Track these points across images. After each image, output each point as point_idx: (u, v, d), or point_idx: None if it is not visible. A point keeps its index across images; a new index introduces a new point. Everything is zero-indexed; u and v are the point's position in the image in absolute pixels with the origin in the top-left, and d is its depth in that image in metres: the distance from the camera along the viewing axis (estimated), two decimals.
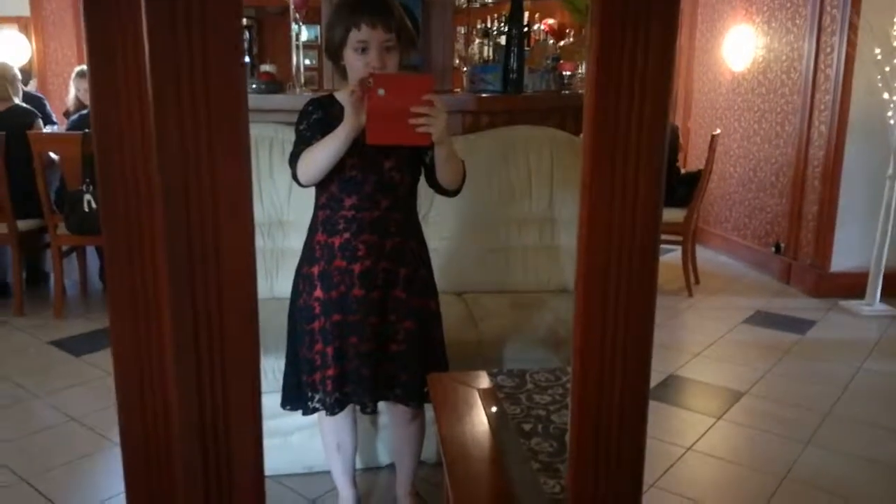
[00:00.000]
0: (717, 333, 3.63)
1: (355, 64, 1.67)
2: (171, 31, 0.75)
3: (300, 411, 1.86)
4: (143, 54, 0.75)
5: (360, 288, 1.75)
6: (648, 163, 0.87)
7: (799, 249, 4.47)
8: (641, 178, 0.88)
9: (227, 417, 0.88)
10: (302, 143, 1.71)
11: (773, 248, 4.69)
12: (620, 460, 0.96)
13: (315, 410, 1.82)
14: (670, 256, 4.65)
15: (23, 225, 3.72)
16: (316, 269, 1.78)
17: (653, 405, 2.78)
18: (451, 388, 1.56)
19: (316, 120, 1.73)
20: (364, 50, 1.65)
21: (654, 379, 3.02)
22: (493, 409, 1.47)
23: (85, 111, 4.12)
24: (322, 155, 1.63)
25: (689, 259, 4.31)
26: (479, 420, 1.43)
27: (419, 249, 1.86)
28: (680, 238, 4.27)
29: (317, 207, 1.80)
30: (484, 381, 1.61)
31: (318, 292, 1.77)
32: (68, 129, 4.06)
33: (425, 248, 1.90)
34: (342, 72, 1.75)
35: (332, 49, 1.71)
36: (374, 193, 1.73)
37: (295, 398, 1.86)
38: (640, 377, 0.95)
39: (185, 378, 0.85)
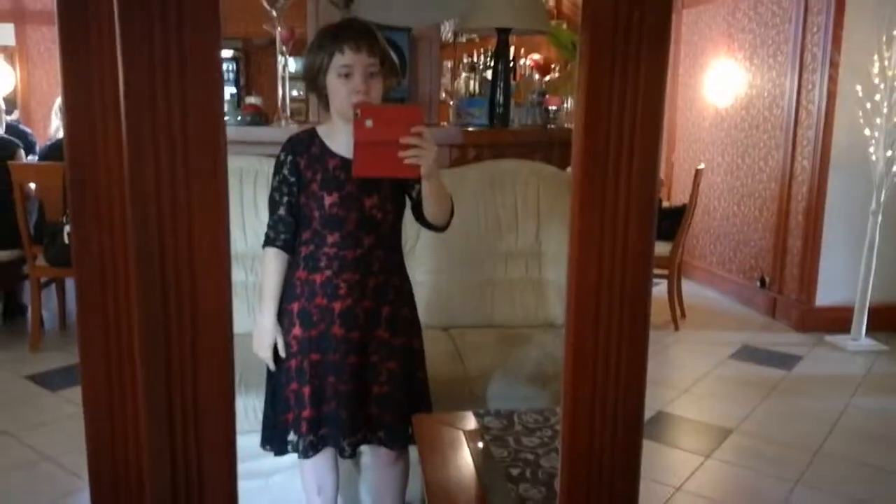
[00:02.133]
0: (704, 369, 3.61)
1: (339, 90, 1.64)
2: (149, 68, 0.72)
3: (275, 451, 1.80)
4: (118, 91, 0.73)
5: (341, 327, 1.71)
6: (640, 199, 0.85)
7: (784, 284, 4.48)
8: (633, 216, 0.86)
9: (201, 468, 0.84)
10: (274, 210, 1.73)
11: (758, 283, 4.70)
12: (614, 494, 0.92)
13: (287, 451, 1.76)
14: (656, 290, 4.63)
15: (0, 256, 3.64)
16: (296, 306, 1.74)
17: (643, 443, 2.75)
18: (436, 429, 1.52)
19: (284, 178, 1.71)
20: (348, 75, 1.62)
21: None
22: (480, 452, 1.43)
23: (54, 141, 4.08)
24: (263, 284, 1.76)
25: (674, 293, 4.30)
26: (466, 464, 1.39)
27: (402, 287, 1.82)
28: (665, 272, 4.27)
29: (299, 243, 1.76)
30: (470, 422, 1.57)
31: (297, 330, 1.73)
32: (39, 158, 4.01)
33: (409, 286, 1.86)
34: (324, 101, 1.72)
35: (313, 75, 1.68)
36: (357, 231, 1.70)
37: (273, 438, 1.81)
38: (634, 421, 0.92)
39: (157, 423, 0.81)
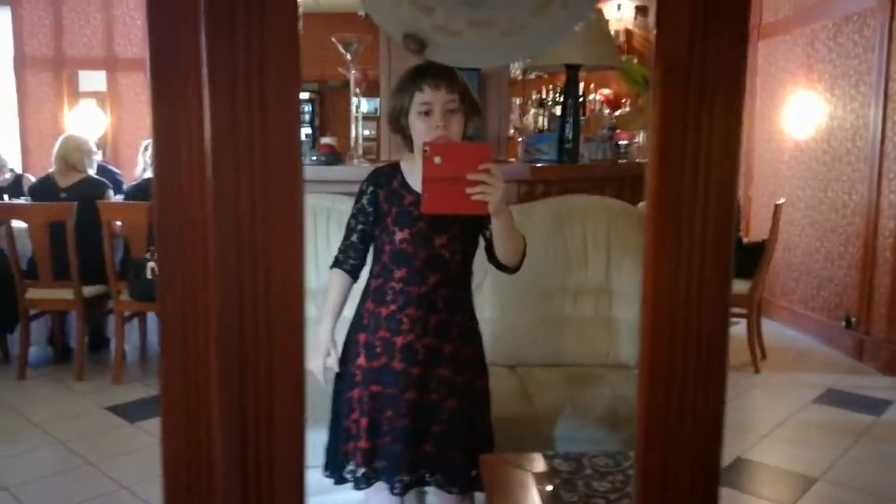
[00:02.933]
0: (786, 413, 3.44)
1: (419, 127, 1.67)
2: (233, 113, 0.75)
3: (335, 480, 1.81)
4: (203, 135, 0.76)
5: (401, 362, 1.71)
6: (716, 236, 0.82)
7: (871, 324, 4.25)
8: (709, 253, 0.82)
9: (273, 497, 0.84)
10: (346, 236, 1.78)
11: (844, 323, 4.47)
12: None
13: (346, 481, 1.77)
14: (734, 330, 4.47)
15: (87, 291, 3.82)
16: (362, 337, 1.77)
17: (720, 491, 2.62)
18: (504, 471, 1.49)
19: (362, 207, 1.76)
20: (428, 112, 1.65)
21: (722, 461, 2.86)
22: (549, 496, 1.39)
23: (140, 181, 4.29)
24: (327, 299, 1.81)
25: (754, 333, 4.14)
26: None
27: (467, 325, 1.81)
28: (745, 311, 4.12)
29: (371, 275, 1.80)
30: (539, 464, 1.53)
31: (361, 360, 1.75)
32: (126, 198, 4.22)
33: (475, 324, 1.85)
34: (408, 143, 1.75)
35: (395, 116, 1.72)
36: (423, 269, 1.71)
37: (333, 466, 1.82)
38: (711, 469, 0.88)
39: (231, 454, 0.82)
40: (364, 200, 1.77)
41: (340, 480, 1.78)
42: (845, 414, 3.43)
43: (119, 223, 3.97)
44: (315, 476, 2.08)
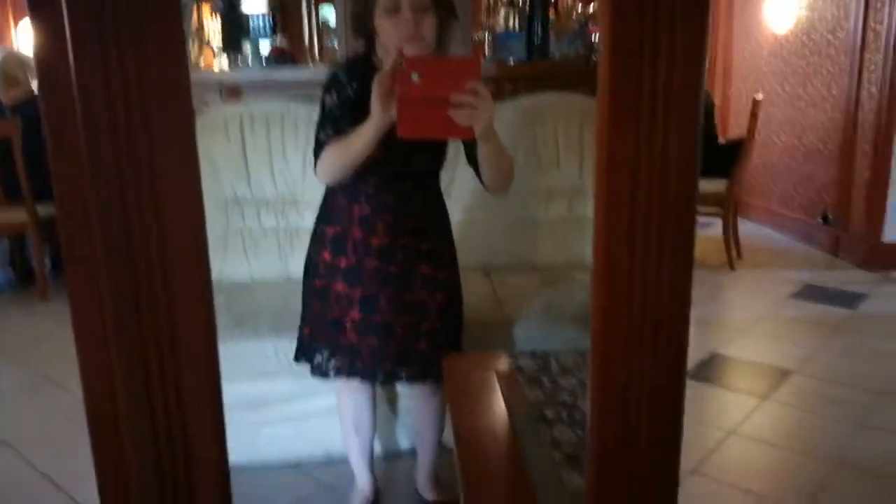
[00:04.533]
0: (762, 309, 3.43)
1: (386, 29, 1.46)
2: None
3: (308, 368, 1.76)
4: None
5: (376, 260, 1.63)
6: (680, 126, 0.72)
7: (849, 219, 4.22)
8: (672, 145, 0.73)
9: (185, 424, 0.76)
10: (327, 127, 1.53)
11: (821, 219, 4.44)
12: (652, 451, 0.82)
13: (317, 371, 1.73)
14: (711, 230, 4.44)
15: (43, 210, 3.67)
16: (331, 231, 1.67)
17: (693, 385, 2.62)
18: (467, 371, 1.43)
19: (348, 97, 1.52)
20: (396, 10, 1.44)
21: (696, 357, 2.85)
22: (513, 394, 1.33)
23: None
24: (344, 156, 1.45)
25: (730, 232, 4.09)
26: (497, 406, 1.30)
27: (441, 223, 1.75)
28: (721, 210, 4.06)
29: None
30: (504, 363, 1.47)
31: (326, 254, 1.67)
32: None
33: (448, 221, 1.77)
34: (373, 47, 1.55)
35: (358, 17, 1.52)
36: (397, 177, 1.61)
37: (304, 352, 1.77)
38: (676, 355, 0.81)
39: (131, 366, 0.74)
40: (346, 93, 1.53)
41: (312, 370, 1.74)
42: (822, 308, 3.43)
43: None
44: (283, 383, 2.04)
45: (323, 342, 1.70)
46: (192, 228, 0.70)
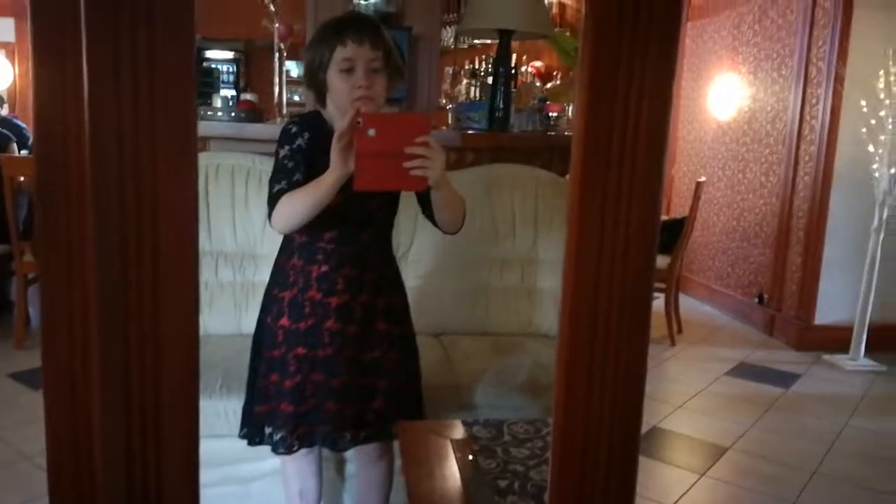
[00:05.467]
0: (700, 385, 3.55)
1: (340, 86, 1.55)
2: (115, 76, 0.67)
3: (256, 445, 1.73)
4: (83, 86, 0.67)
5: (336, 321, 1.64)
6: (643, 204, 0.79)
7: (782, 301, 4.42)
8: (634, 220, 0.80)
9: (160, 479, 0.77)
10: (282, 178, 1.56)
11: (757, 299, 4.64)
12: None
13: (261, 443, 1.70)
14: (654, 304, 4.57)
15: None
16: (287, 295, 1.67)
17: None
18: (422, 438, 1.46)
19: (299, 147, 1.58)
20: (350, 70, 1.53)
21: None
22: (467, 463, 1.36)
23: None
24: (302, 205, 1.49)
25: (672, 307, 4.24)
26: (452, 474, 1.32)
27: (395, 278, 1.78)
28: (663, 285, 4.21)
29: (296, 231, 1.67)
30: (458, 431, 1.50)
31: (285, 320, 1.66)
32: (31, 154, 3.95)
33: (400, 276, 1.81)
34: (323, 100, 1.64)
35: (313, 72, 1.59)
36: (356, 229, 1.65)
37: (250, 427, 1.74)
38: (632, 434, 0.86)
39: (113, 405, 0.75)
40: (299, 143, 1.59)
41: (255, 442, 1.72)
42: (756, 386, 3.57)
43: (23, 179, 3.73)
44: (230, 444, 2.01)
45: (281, 416, 1.66)
46: (186, 285, 0.73)
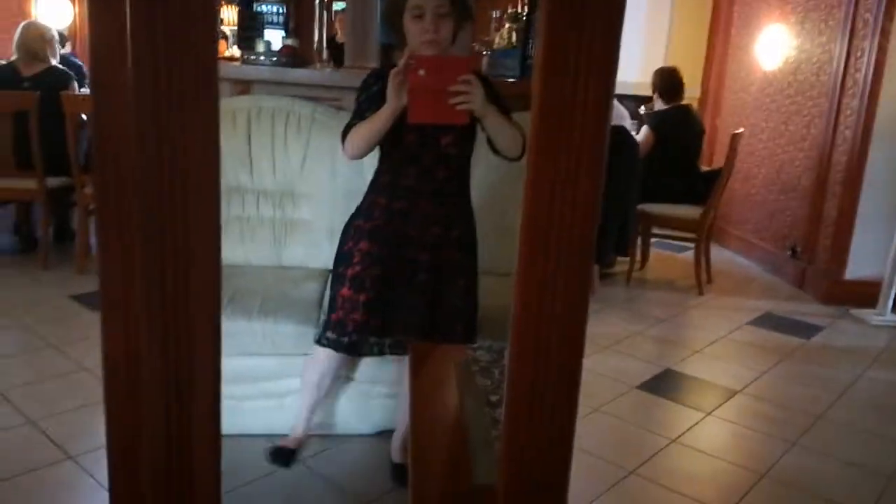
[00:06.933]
0: (720, 332, 3.64)
1: (412, 30, 1.77)
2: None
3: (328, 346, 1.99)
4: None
5: (410, 250, 1.88)
6: (593, 134, 0.91)
7: (815, 255, 4.44)
8: (585, 150, 0.92)
9: (191, 373, 0.95)
10: (357, 116, 1.83)
11: (790, 252, 4.66)
12: (551, 429, 0.98)
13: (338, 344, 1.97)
14: (684, 254, 4.65)
15: (52, 182, 3.85)
16: (368, 225, 1.92)
17: (644, 397, 2.83)
18: (429, 358, 1.62)
19: (376, 92, 1.81)
20: (420, 16, 1.74)
21: (650, 372, 3.05)
22: (466, 380, 1.53)
23: None
24: (366, 133, 1.76)
25: (701, 257, 4.30)
26: (451, 390, 1.49)
27: (469, 211, 1.99)
28: (694, 235, 4.27)
29: (379, 172, 1.94)
30: (461, 354, 1.67)
31: (364, 244, 1.89)
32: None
33: (473, 213, 2.01)
34: (402, 41, 1.83)
35: (390, 16, 1.83)
36: (432, 166, 1.85)
37: (334, 329, 1.97)
38: (575, 345, 0.98)
39: (154, 329, 0.93)
40: (375, 89, 1.81)
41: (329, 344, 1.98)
42: (777, 336, 3.65)
43: (84, 116, 3.96)
44: (267, 361, 2.23)
45: (343, 315, 1.91)
46: (211, 223, 0.89)
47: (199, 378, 0.96)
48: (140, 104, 0.85)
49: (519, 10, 4.89)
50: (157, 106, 0.85)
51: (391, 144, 1.83)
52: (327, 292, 2.10)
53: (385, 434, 2.29)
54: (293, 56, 2.88)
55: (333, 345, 1.97)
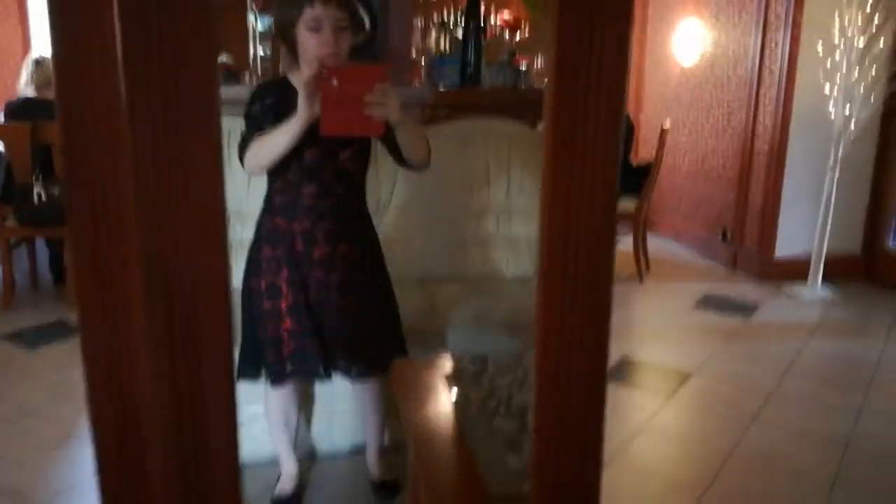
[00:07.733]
0: (666, 318, 3.76)
1: (308, 43, 1.67)
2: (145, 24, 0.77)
3: (258, 380, 1.90)
4: (117, 49, 0.78)
5: (319, 271, 1.81)
6: (604, 149, 0.93)
7: (745, 237, 4.64)
8: (598, 163, 0.93)
9: (204, 405, 0.91)
10: (252, 129, 1.71)
11: (721, 236, 4.85)
12: (581, 434, 1.00)
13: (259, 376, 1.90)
14: (622, 245, 4.76)
15: None
16: (269, 253, 1.82)
17: (608, 386, 2.88)
18: (414, 373, 1.61)
19: (271, 104, 1.72)
20: (317, 29, 1.65)
21: (609, 360, 3.11)
22: (457, 391, 1.52)
23: (23, 98, 3.93)
24: (271, 146, 1.65)
25: (639, 246, 4.43)
26: (443, 403, 1.49)
27: (371, 227, 1.94)
28: (631, 226, 4.39)
29: (272, 192, 1.82)
30: (447, 365, 1.66)
31: (283, 273, 1.81)
32: (5, 117, 3.93)
33: (373, 227, 1.96)
34: (293, 53, 1.74)
35: (282, 27, 1.71)
36: (331, 182, 1.78)
37: (249, 363, 1.89)
38: (599, 356, 1.00)
39: (159, 367, 0.88)
40: (268, 101, 1.73)
41: (256, 376, 1.90)
42: (719, 317, 3.79)
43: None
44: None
45: (272, 350, 1.84)
46: (217, 248, 0.86)
47: (215, 411, 0.92)
48: (137, 136, 0.81)
49: (445, 18, 4.93)
50: (156, 134, 0.81)
51: (287, 161, 1.70)
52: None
53: (358, 450, 2.26)
54: (227, 73, 2.81)
55: (280, 378, 1.88)
